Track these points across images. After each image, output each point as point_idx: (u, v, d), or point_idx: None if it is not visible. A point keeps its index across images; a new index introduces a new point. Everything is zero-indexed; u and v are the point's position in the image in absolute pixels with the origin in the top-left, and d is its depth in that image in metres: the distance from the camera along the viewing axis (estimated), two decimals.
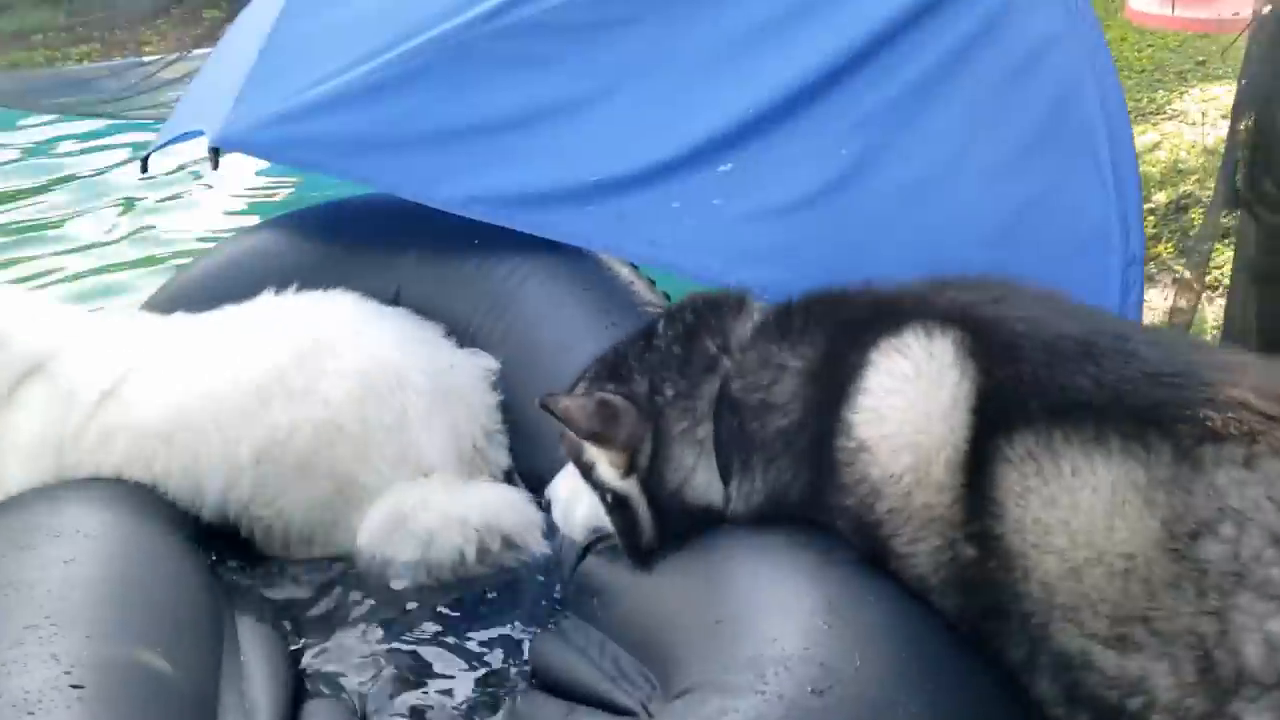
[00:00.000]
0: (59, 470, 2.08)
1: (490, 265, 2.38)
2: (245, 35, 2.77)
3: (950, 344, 1.44)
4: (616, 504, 1.66)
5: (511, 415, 2.26)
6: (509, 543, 2.06)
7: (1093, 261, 2.14)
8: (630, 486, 1.65)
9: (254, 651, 1.79)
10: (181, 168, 4.54)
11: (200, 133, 2.51)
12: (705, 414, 1.63)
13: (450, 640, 1.94)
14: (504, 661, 1.89)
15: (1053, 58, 2.25)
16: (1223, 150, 4.39)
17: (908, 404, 1.44)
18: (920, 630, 1.43)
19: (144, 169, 2.92)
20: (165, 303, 2.46)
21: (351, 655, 1.89)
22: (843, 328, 1.56)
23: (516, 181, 2.28)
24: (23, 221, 4.43)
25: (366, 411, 2.06)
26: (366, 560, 2.05)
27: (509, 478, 2.24)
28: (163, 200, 4.53)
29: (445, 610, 2.00)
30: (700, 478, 1.63)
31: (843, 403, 1.49)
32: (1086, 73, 2.24)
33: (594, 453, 1.67)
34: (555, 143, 2.31)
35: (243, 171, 4.40)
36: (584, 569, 1.81)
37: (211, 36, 5.36)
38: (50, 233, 4.33)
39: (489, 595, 2.03)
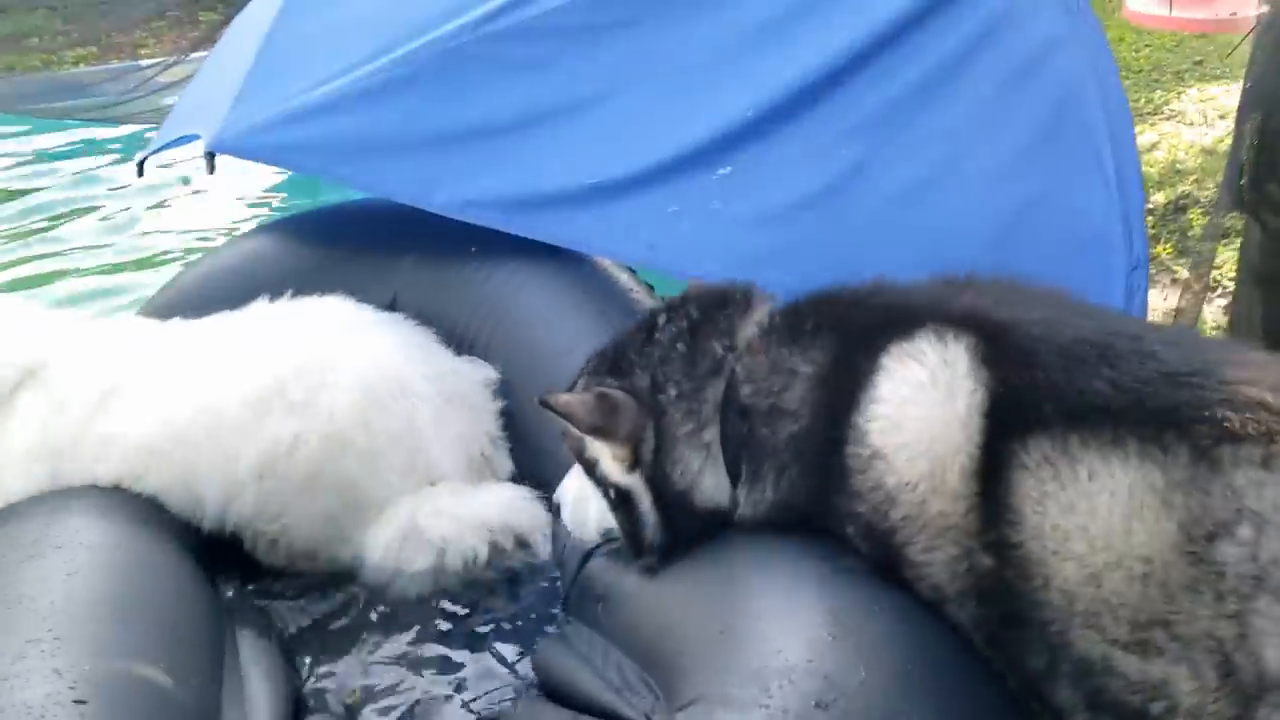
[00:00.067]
0: (56, 479, 2.05)
1: (488, 270, 2.37)
2: (241, 39, 2.75)
3: (964, 349, 1.42)
4: (620, 500, 1.63)
5: (511, 422, 2.24)
6: (521, 541, 2.04)
7: (1095, 264, 2.14)
8: (634, 481, 1.62)
9: (255, 666, 1.77)
10: (169, 166, 4.51)
11: (196, 137, 2.50)
12: (711, 417, 1.59)
13: (450, 650, 1.92)
14: (506, 671, 1.88)
15: (1055, 59, 2.24)
16: (1221, 150, 4.41)
17: (923, 412, 1.42)
18: (925, 641, 1.42)
19: (140, 173, 2.91)
20: (162, 308, 2.44)
21: (352, 668, 1.87)
22: (854, 331, 1.53)
23: (513, 185, 2.27)
24: (17, 226, 4.42)
25: (372, 422, 2.02)
26: (376, 573, 2.02)
27: (512, 483, 2.21)
28: (158, 204, 4.52)
29: (446, 621, 1.98)
30: (708, 481, 1.60)
31: (855, 409, 1.46)
32: (1088, 74, 2.24)
33: (597, 448, 1.63)
34: (552, 146, 2.29)
35: (238, 175, 4.38)
36: (586, 575, 1.79)
37: (208, 39, 5.36)
38: (45, 237, 4.32)
39: (491, 605, 2.02)
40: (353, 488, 2.02)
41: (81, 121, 5.33)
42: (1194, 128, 4.76)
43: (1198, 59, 5.48)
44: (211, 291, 2.41)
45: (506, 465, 2.20)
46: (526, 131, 2.31)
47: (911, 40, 2.25)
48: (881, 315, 1.52)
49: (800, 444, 1.54)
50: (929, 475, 1.40)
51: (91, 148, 5.13)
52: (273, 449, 1.98)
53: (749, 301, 1.66)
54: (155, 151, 2.84)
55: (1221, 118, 4.77)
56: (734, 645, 1.41)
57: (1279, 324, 1.44)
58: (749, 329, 1.62)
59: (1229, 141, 4.45)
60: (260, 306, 2.24)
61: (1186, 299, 3.14)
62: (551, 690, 1.74)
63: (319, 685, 1.85)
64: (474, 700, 1.82)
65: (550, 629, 1.92)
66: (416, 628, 1.96)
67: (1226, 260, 3.50)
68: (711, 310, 1.65)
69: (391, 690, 1.83)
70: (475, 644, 1.94)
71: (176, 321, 2.27)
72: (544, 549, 2.04)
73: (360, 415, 2.00)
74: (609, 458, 1.62)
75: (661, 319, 1.66)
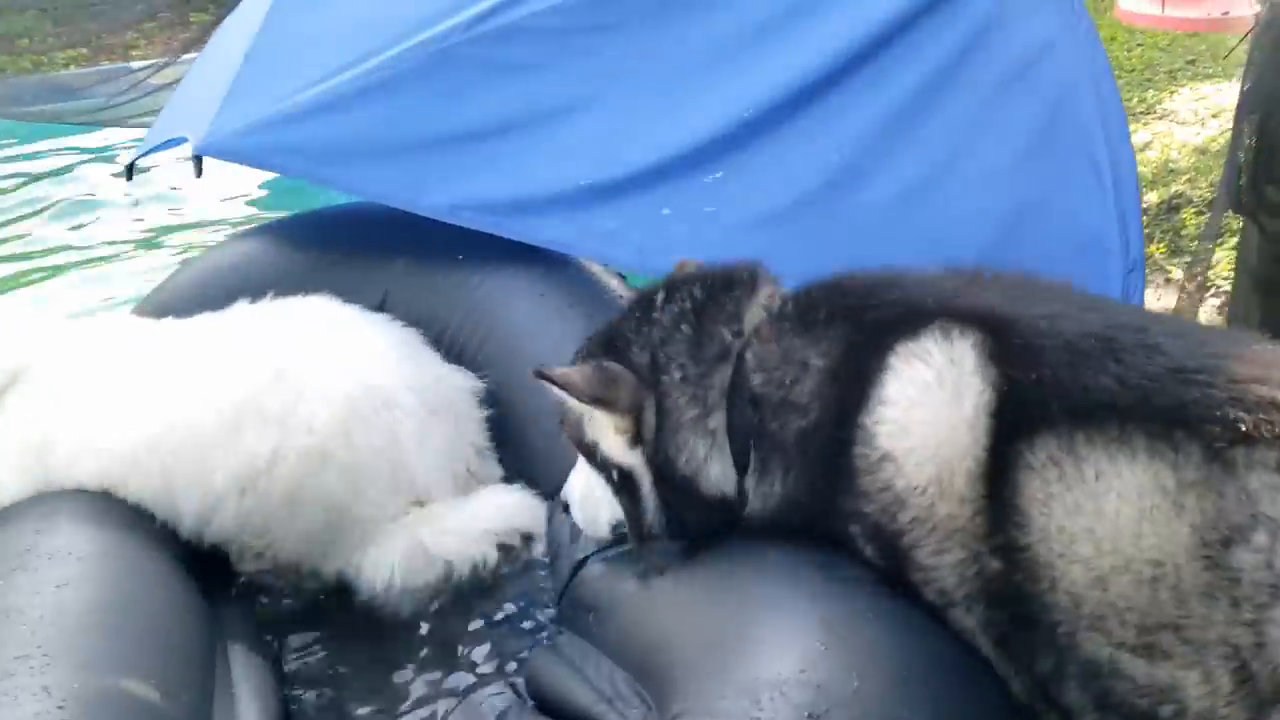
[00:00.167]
0: (46, 483, 2.04)
1: (477, 274, 2.35)
2: (229, 41, 2.74)
3: (971, 348, 1.39)
4: (623, 482, 1.60)
5: (500, 428, 2.22)
6: (527, 537, 2.02)
7: (1091, 266, 2.13)
8: (636, 460, 1.58)
9: (245, 682, 1.76)
10: (158, 168, 4.49)
11: (184, 139, 2.48)
12: (717, 403, 1.55)
13: (442, 662, 1.91)
14: (498, 680, 1.86)
15: (1050, 61, 2.24)
16: (1214, 149, 4.41)
17: (931, 415, 1.39)
18: (919, 649, 1.40)
19: (129, 176, 2.89)
20: (154, 310, 2.42)
21: (342, 682, 1.85)
22: (864, 326, 1.49)
23: (503, 188, 2.26)
24: (3, 229, 4.40)
25: (353, 435, 1.97)
26: (379, 592, 1.99)
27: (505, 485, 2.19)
28: (148, 207, 4.50)
29: (438, 633, 1.96)
30: (714, 469, 1.56)
31: (862, 409, 1.43)
32: (1084, 76, 2.23)
33: (597, 427, 1.59)
34: (542, 149, 2.28)
35: (227, 178, 4.37)
36: (578, 584, 1.78)
37: (200, 40, 5.34)
38: (31, 239, 4.31)
39: (481, 615, 2.00)
40: (335, 503, 1.98)
41: (72, 126, 5.31)
42: (1187, 127, 4.76)
43: (1190, 58, 5.48)
44: (203, 293, 2.39)
45: (495, 473, 2.17)
46: (516, 134, 2.29)
47: (906, 43, 2.24)
48: (890, 311, 1.48)
49: (808, 439, 1.50)
50: (937, 479, 1.38)
51: (81, 150, 5.12)
52: (251, 464, 1.94)
53: (754, 283, 1.61)
54: (144, 154, 2.83)
55: (1214, 117, 4.77)
56: (726, 656, 1.40)
57: (1278, 327, 1.42)
58: (756, 313, 1.58)
59: (1222, 140, 4.46)
60: (242, 308, 2.20)
61: (1182, 300, 3.14)
62: (543, 700, 1.72)
63: (309, 698, 1.84)
64: (466, 711, 1.80)
65: (543, 636, 1.91)
66: (407, 640, 1.94)
67: (1221, 260, 3.50)
68: (717, 292, 1.60)
69: (382, 704, 1.81)
70: (467, 654, 1.92)
71: (161, 322, 2.25)
72: (542, 545, 2.02)
73: (340, 428, 1.96)
74: (610, 433, 1.58)
75: (659, 298, 1.61)
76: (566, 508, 1.74)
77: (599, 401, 1.55)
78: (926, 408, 1.39)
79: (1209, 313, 3.34)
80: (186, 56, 5.31)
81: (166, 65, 5.49)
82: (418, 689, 1.85)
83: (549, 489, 2.00)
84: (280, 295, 2.24)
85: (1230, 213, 2.64)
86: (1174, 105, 4.98)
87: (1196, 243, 3.87)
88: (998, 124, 2.23)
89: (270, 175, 4.01)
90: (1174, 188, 4.28)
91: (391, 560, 1.97)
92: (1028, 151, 2.22)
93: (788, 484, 1.53)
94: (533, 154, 2.29)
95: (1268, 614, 1.19)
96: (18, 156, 5.18)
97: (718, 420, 1.55)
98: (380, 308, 2.33)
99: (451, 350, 2.30)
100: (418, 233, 2.35)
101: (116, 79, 5.60)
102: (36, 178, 4.92)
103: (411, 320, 2.30)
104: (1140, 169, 4.24)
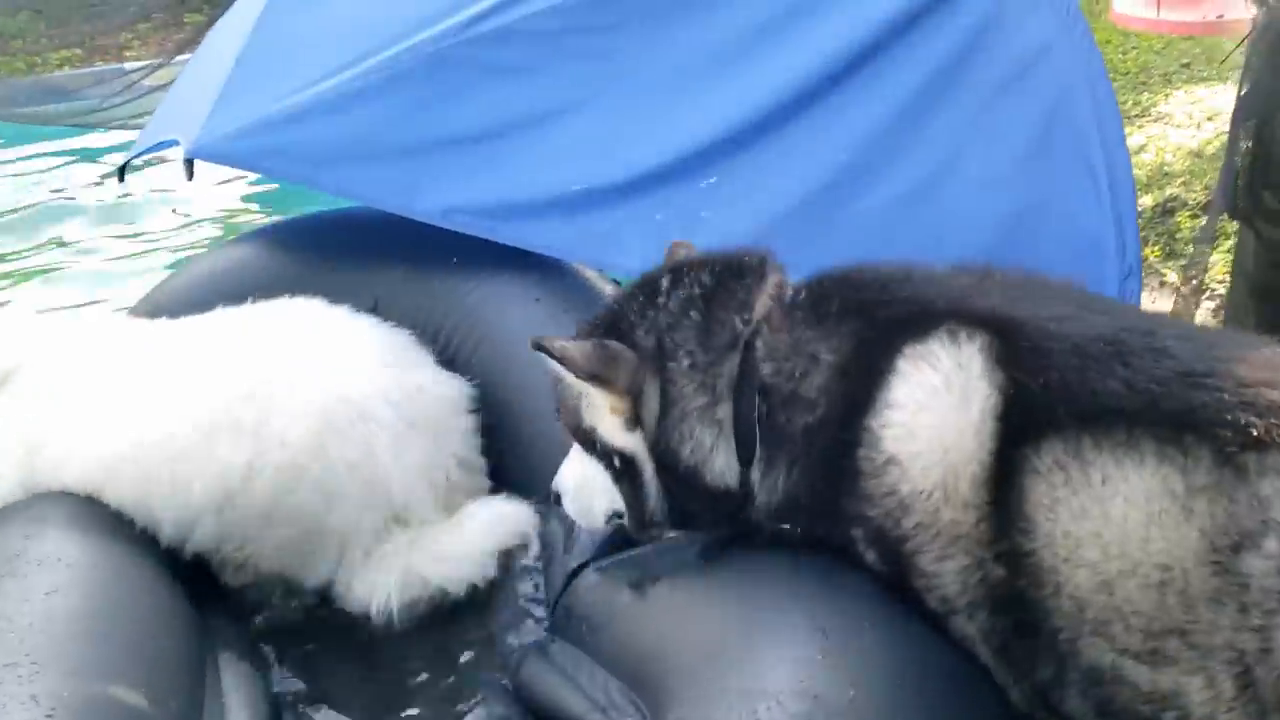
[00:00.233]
0: (33, 485, 2.03)
1: (471, 278, 2.33)
2: (222, 43, 2.72)
3: (978, 351, 1.37)
4: (624, 468, 1.56)
5: (493, 432, 2.20)
6: (521, 547, 1.99)
7: (1087, 271, 2.12)
8: (636, 443, 1.55)
9: (235, 692, 1.75)
10: (150, 167, 4.48)
11: (175, 142, 2.47)
12: (725, 393, 1.51)
13: (434, 671, 1.90)
14: (490, 688, 1.84)
15: (1046, 65, 2.23)
16: (1209, 153, 4.41)
17: (938, 419, 1.37)
18: (918, 656, 1.39)
19: (121, 178, 2.88)
20: (147, 314, 2.40)
21: (332, 691, 1.84)
22: (874, 323, 1.46)
23: (496, 192, 2.24)
24: None
25: (328, 450, 1.94)
26: (370, 611, 1.97)
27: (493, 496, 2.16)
28: (140, 208, 4.49)
29: (429, 642, 1.95)
30: (719, 460, 1.52)
31: (869, 410, 1.41)
32: (1080, 81, 2.22)
33: (594, 409, 1.56)
34: (536, 153, 2.27)
35: (219, 181, 4.37)
36: (573, 592, 1.76)
37: (194, 41, 5.32)
38: (26, 240, 4.29)
39: (474, 623, 1.98)
40: (309, 517, 1.95)
41: (66, 128, 5.30)
42: (1182, 130, 4.76)
43: (1185, 61, 5.48)
44: (198, 297, 2.36)
45: (481, 483, 2.14)
46: (510, 137, 2.28)
47: (901, 49, 2.23)
48: (901, 309, 1.46)
49: (814, 436, 1.47)
50: (942, 484, 1.36)
51: (74, 152, 5.10)
52: (227, 477, 1.91)
53: (764, 271, 1.58)
54: (136, 157, 2.82)
55: (1209, 120, 4.77)
56: (723, 665, 1.39)
57: (1274, 333, 1.42)
58: (766, 301, 1.54)
59: (1217, 143, 4.46)
60: (225, 311, 2.17)
61: (1178, 303, 3.14)
62: (536, 708, 1.71)
63: (300, 708, 1.82)
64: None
65: (535, 644, 1.89)
66: (400, 650, 1.93)
67: (1216, 263, 3.50)
68: (727, 279, 1.56)
69: (374, 713, 1.80)
70: (458, 662, 1.91)
71: (149, 323, 2.23)
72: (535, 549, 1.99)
73: (315, 441, 1.93)
74: (607, 414, 1.55)
75: (664, 282, 1.58)
76: (558, 498, 1.70)
77: (596, 379, 1.52)
78: (934, 412, 1.37)
79: (1204, 316, 3.34)
80: (180, 58, 5.29)
81: (160, 67, 5.48)
82: (409, 699, 1.84)
83: (543, 493, 1.98)
84: (270, 298, 2.21)
85: (1225, 217, 2.63)
86: (1169, 108, 4.98)
87: (1191, 246, 3.88)
88: (995, 127, 2.22)
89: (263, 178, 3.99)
90: (1169, 191, 4.28)
91: (387, 588, 1.94)
92: (1025, 155, 2.21)
93: (791, 480, 1.51)
94: (527, 158, 2.27)
95: (1276, 620, 1.18)
96: (11, 159, 5.17)
97: (725, 410, 1.51)
98: (373, 312, 2.32)
99: (444, 355, 2.28)
100: (412, 237, 2.33)
101: (110, 80, 5.58)
102: (29, 179, 4.91)
103: (405, 323, 2.28)
104: (1135, 172, 4.23)
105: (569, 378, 1.54)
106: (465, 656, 1.92)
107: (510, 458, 2.18)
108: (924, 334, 1.40)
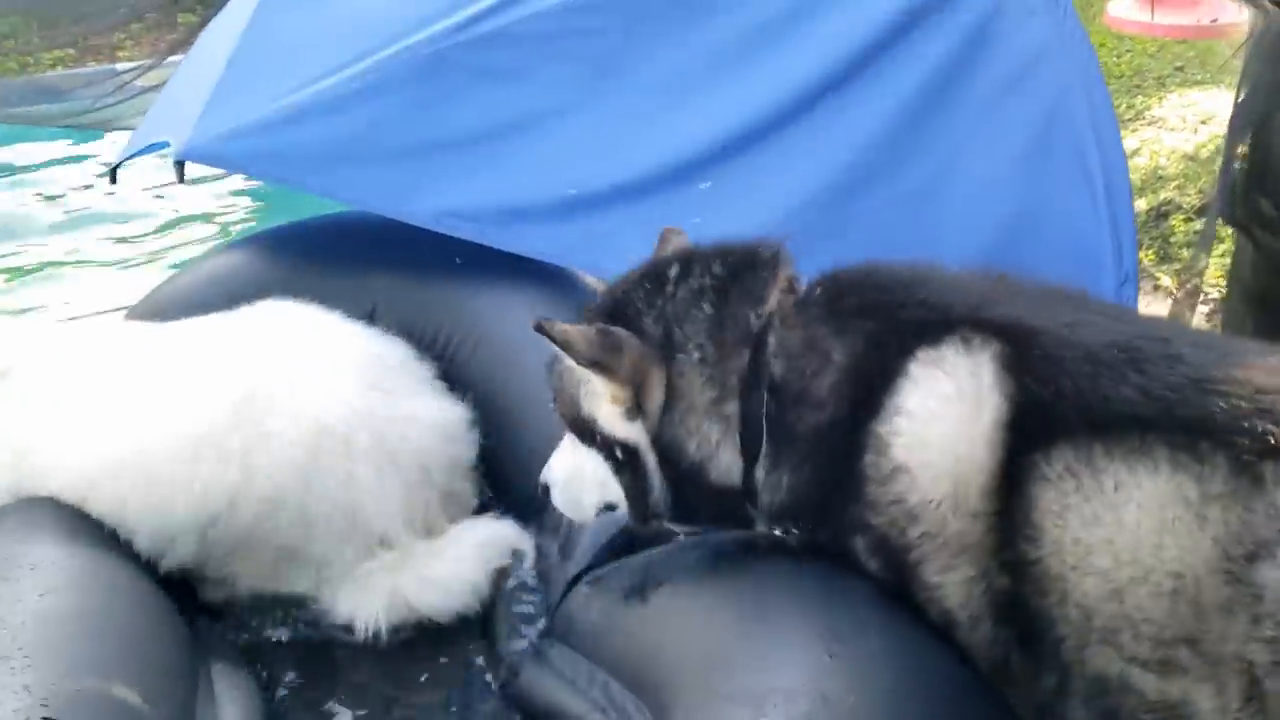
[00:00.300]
0: (20, 492, 2.01)
1: (470, 282, 2.32)
2: (214, 44, 2.71)
3: (991, 359, 1.35)
4: (627, 459, 1.53)
5: (490, 436, 2.18)
6: (504, 573, 1.99)
7: (1083, 278, 2.11)
8: (638, 433, 1.51)
9: (231, 705, 1.74)
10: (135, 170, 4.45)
11: (167, 144, 2.45)
12: (735, 388, 1.48)
13: (430, 676, 1.89)
14: (486, 693, 1.84)
15: (1043, 69, 2.22)
16: (1203, 156, 4.42)
17: (950, 429, 1.35)
18: (924, 661, 1.38)
19: (112, 179, 2.86)
20: (143, 318, 2.39)
21: (326, 695, 1.83)
22: (888, 325, 1.43)
23: (490, 196, 2.23)
24: None
25: (310, 484, 1.92)
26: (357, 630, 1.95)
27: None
28: (132, 211, 4.47)
29: (425, 649, 1.94)
30: (725, 457, 1.50)
31: (878, 415, 1.39)
32: (1077, 86, 2.22)
33: (594, 398, 1.52)
34: (531, 156, 2.26)
35: (210, 185, 4.35)
36: (573, 596, 1.75)
37: (187, 42, 5.30)
38: (18, 242, 4.27)
39: (470, 630, 1.98)
40: (289, 546, 1.95)
41: (57, 128, 5.28)
42: (1176, 133, 4.77)
43: (1179, 65, 5.49)
44: (195, 302, 2.34)
45: (464, 510, 2.12)
46: (504, 141, 2.27)
47: (900, 50, 2.22)
48: (916, 312, 1.43)
49: (820, 438, 1.45)
50: (952, 494, 1.34)
51: (65, 153, 5.09)
52: (210, 502, 1.90)
53: (777, 263, 1.54)
54: (127, 158, 2.80)
55: (1203, 123, 4.78)
56: (727, 666, 1.38)
57: (1271, 341, 1.41)
58: (781, 296, 1.51)
59: (1211, 147, 4.47)
60: (217, 317, 2.14)
61: (1173, 308, 3.13)
62: (534, 714, 1.71)
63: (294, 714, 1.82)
64: None
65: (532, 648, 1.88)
66: (395, 657, 1.92)
67: (1209, 266, 3.51)
68: (741, 270, 1.53)
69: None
70: (454, 668, 1.91)
71: (143, 328, 2.21)
72: (528, 566, 1.99)
73: (299, 474, 1.91)
74: (607, 403, 1.51)
75: (673, 271, 1.54)
76: (546, 490, 1.66)
77: (597, 365, 1.48)
78: (946, 421, 1.35)
79: (1198, 321, 3.34)
80: (173, 58, 5.27)
81: (152, 68, 5.46)
82: (405, 708, 1.83)
83: (539, 502, 1.97)
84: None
85: (1221, 222, 2.63)
86: (1163, 112, 4.99)
87: (1186, 250, 3.88)
88: (994, 131, 2.22)
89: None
90: (1163, 195, 4.29)
91: (373, 610, 1.93)
92: (1022, 158, 2.20)
93: (796, 481, 1.48)
94: (523, 161, 2.26)
95: None
96: (3, 159, 5.15)
97: (734, 406, 1.49)
98: (370, 317, 2.30)
99: (443, 360, 2.27)
100: (411, 241, 2.32)
101: (102, 81, 5.56)
102: (20, 179, 4.89)
103: (402, 329, 2.26)
104: (1129, 176, 4.25)
105: (569, 363, 1.51)
106: (462, 660, 1.92)
107: (508, 463, 2.16)
108: (937, 339, 1.38)
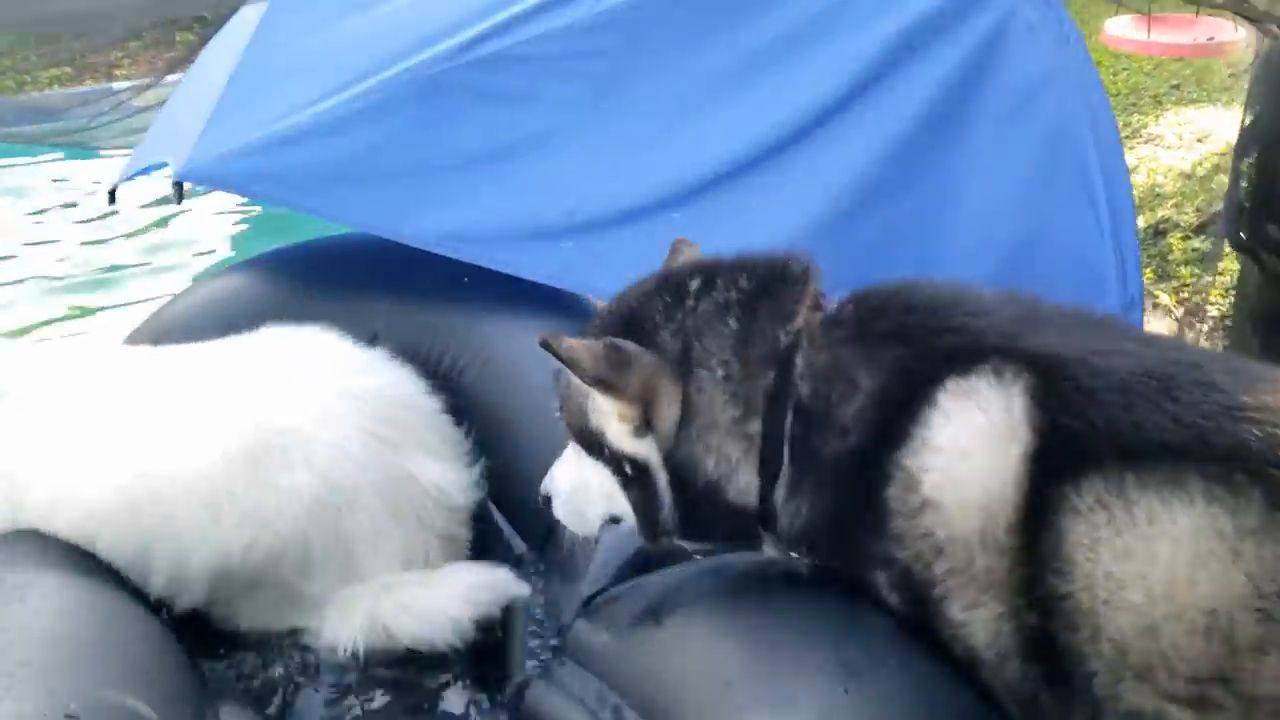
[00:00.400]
0: (15, 524, 1.98)
1: (474, 303, 2.31)
2: (214, 64, 2.70)
3: (1022, 392, 1.31)
4: (636, 475, 1.48)
5: (493, 457, 2.16)
6: (484, 626, 1.97)
7: (1088, 301, 2.10)
8: (648, 449, 1.46)
9: None
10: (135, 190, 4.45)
11: (166, 164, 2.44)
12: (759, 407, 1.42)
13: (436, 700, 1.89)
14: (494, 713, 1.83)
15: (1047, 95, 2.22)
16: (1200, 174, 4.43)
17: (981, 464, 1.31)
18: (942, 698, 1.36)
19: (111, 200, 2.84)
20: (144, 342, 2.37)
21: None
22: (918, 351, 1.38)
23: (490, 218, 2.22)
24: None
25: (310, 539, 1.94)
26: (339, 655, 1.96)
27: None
28: (133, 233, 4.47)
29: (427, 673, 1.93)
30: (744, 477, 1.45)
31: (904, 446, 1.33)
32: (1081, 111, 2.22)
33: (601, 414, 1.47)
34: (532, 178, 2.25)
35: (209, 206, 4.35)
36: (585, 616, 1.71)
37: (185, 61, 5.31)
38: (14, 263, 4.26)
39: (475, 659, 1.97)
40: (289, 586, 1.97)
41: (54, 147, 5.28)
42: (1172, 151, 4.80)
43: (1175, 83, 5.52)
44: (198, 324, 2.33)
45: (464, 550, 2.11)
46: (506, 162, 2.26)
47: (901, 78, 2.22)
48: (947, 340, 1.39)
49: (844, 464, 1.40)
50: (980, 530, 1.30)
51: (60, 173, 5.08)
52: (223, 551, 1.91)
53: (806, 279, 1.48)
54: (126, 179, 2.78)
55: (1200, 141, 4.81)
56: (740, 698, 1.35)
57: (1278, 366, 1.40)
58: (809, 314, 1.45)
59: (1208, 165, 4.49)
60: (224, 344, 2.13)
61: (1174, 327, 3.13)
62: None
63: None
64: None
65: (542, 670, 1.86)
66: (397, 688, 1.91)
67: (1208, 284, 3.51)
68: (770, 285, 1.47)
69: None
70: (462, 689, 1.90)
71: (143, 354, 2.19)
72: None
73: (301, 528, 1.93)
74: (615, 421, 1.46)
75: (694, 284, 1.48)
76: (547, 501, 1.62)
77: (602, 383, 1.43)
78: (977, 456, 1.31)
79: (1198, 340, 3.34)
80: (170, 77, 5.28)
81: (149, 87, 5.46)
82: None
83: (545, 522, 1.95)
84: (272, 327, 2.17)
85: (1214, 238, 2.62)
86: (1159, 130, 5.02)
87: (1184, 268, 3.89)
88: (998, 155, 2.21)
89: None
90: (1160, 213, 4.30)
91: (351, 633, 1.93)
92: (1026, 187, 2.20)
93: (816, 506, 1.44)
94: (522, 183, 2.25)
95: None
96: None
97: (758, 425, 1.44)
98: (373, 339, 2.27)
99: (447, 382, 2.25)
100: (413, 262, 2.30)
101: (99, 100, 5.56)
102: (17, 198, 4.88)
103: (406, 352, 2.24)
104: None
105: (574, 383, 1.47)
106: (468, 682, 1.91)
107: (514, 485, 2.14)
108: (968, 369, 1.34)
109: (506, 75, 2.30)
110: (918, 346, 1.39)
